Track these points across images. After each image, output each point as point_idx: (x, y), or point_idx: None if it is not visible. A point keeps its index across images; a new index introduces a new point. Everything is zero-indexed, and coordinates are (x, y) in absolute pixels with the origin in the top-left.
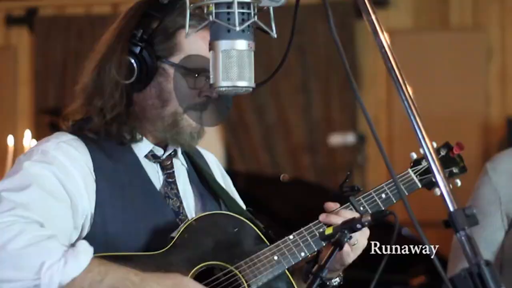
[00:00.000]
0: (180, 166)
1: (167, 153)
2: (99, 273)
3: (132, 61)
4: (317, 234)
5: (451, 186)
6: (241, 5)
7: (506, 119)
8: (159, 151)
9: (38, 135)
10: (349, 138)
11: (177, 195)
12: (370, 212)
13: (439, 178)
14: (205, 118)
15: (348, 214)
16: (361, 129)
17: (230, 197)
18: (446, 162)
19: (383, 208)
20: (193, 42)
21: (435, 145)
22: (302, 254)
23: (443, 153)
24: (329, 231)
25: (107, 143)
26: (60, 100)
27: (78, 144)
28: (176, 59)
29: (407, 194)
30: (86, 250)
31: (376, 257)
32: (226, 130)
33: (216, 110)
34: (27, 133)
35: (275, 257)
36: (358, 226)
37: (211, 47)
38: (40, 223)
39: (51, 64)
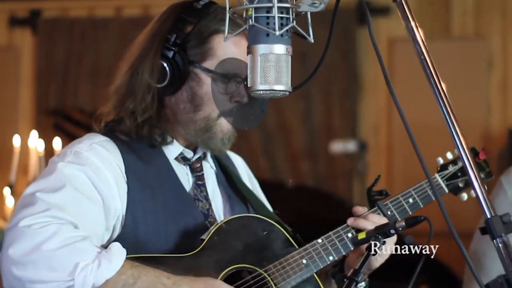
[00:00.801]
0: (209, 169)
1: (196, 156)
2: (132, 275)
3: (165, 65)
4: (345, 238)
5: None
6: (281, 9)
7: (507, 129)
8: (189, 154)
9: (40, 136)
10: (350, 145)
11: (206, 197)
12: (397, 216)
13: (476, 184)
14: (239, 121)
15: (376, 218)
16: (361, 136)
17: (257, 200)
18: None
19: (410, 213)
20: (226, 47)
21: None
22: (331, 257)
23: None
24: (362, 235)
25: (138, 145)
26: (62, 102)
27: (110, 145)
28: (208, 64)
29: (433, 199)
30: (119, 252)
31: (384, 266)
32: None
33: (251, 113)
34: (34, 133)
35: (304, 261)
36: (392, 231)
37: (250, 50)
38: (74, 224)
39: (53, 65)
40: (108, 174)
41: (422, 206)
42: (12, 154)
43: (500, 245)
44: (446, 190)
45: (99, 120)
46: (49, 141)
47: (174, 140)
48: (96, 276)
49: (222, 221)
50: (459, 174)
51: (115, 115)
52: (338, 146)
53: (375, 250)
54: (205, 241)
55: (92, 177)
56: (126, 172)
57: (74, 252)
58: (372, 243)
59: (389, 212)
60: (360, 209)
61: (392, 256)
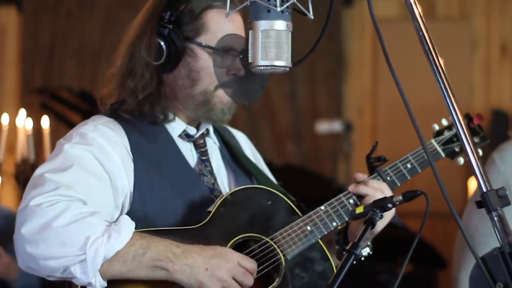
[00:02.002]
0: (212, 145)
1: (199, 132)
2: (141, 246)
3: (161, 42)
4: (347, 204)
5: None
6: None
7: (490, 110)
8: (192, 131)
9: (28, 115)
10: (336, 125)
11: (211, 172)
12: (396, 182)
13: (473, 160)
14: (239, 96)
15: (376, 184)
16: (346, 116)
17: (261, 173)
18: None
19: (408, 178)
20: (219, 22)
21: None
22: (334, 224)
23: None
24: (359, 210)
25: (142, 124)
26: (47, 81)
27: (115, 125)
28: (203, 39)
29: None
30: (128, 225)
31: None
32: None
33: (252, 88)
34: (22, 112)
35: (308, 227)
36: (389, 205)
37: (251, 26)
38: (83, 201)
39: (39, 44)
40: (113, 153)
41: (420, 171)
42: None
43: (495, 218)
44: (443, 155)
45: (104, 103)
46: (36, 120)
47: (176, 117)
48: (107, 248)
49: (227, 193)
50: (454, 139)
51: (117, 96)
52: (323, 126)
53: (374, 224)
54: (212, 213)
55: (99, 156)
56: (131, 151)
57: (84, 227)
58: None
59: (388, 178)
60: (360, 176)
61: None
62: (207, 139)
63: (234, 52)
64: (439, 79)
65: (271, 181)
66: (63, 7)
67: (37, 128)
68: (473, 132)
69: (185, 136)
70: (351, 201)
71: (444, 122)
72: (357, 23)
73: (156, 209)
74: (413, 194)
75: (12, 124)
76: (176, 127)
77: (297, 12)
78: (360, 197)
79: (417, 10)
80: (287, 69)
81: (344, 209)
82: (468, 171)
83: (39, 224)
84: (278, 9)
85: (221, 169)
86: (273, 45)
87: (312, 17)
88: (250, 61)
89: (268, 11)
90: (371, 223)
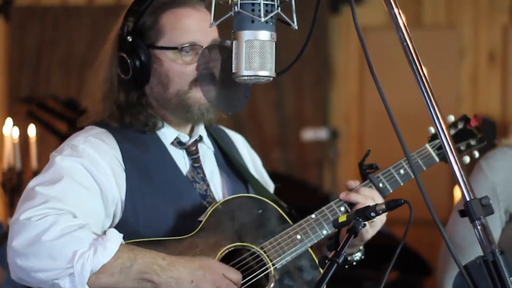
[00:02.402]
0: (206, 150)
1: (192, 139)
2: (129, 258)
3: (124, 55)
4: (338, 212)
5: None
6: None
7: None
8: (184, 138)
9: (14, 124)
10: (322, 133)
11: (204, 178)
12: (389, 188)
13: (456, 168)
14: (222, 104)
15: (367, 192)
16: (332, 124)
17: (255, 178)
18: (464, 134)
19: (401, 184)
20: (175, 21)
21: (452, 118)
22: (324, 231)
23: (460, 126)
24: (342, 218)
25: (134, 134)
26: (34, 89)
27: (106, 136)
28: (162, 42)
29: (425, 169)
30: (114, 238)
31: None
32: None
33: (235, 98)
34: (8, 121)
35: (298, 236)
36: (372, 214)
37: (235, 36)
38: (73, 214)
39: (26, 53)
40: (104, 164)
41: (413, 177)
42: None
43: (479, 227)
44: (437, 159)
45: (87, 115)
46: (22, 129)
47: (166, 124)
48: (93, 262)
49: (218, 202)
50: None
51: (102, 108)
52: (310, 134)
53: (356, 233)
54: (202, 222)
55: (89, 167)
56: (123, 161)
57: (71, 241)
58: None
59: (380, 185)
60: (352, 183)
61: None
62: (200, 145)
63: (198, 46)
64: (423, 89)
65: (265, 188)
66: (49, 16)
67: (24, 137)
68: (470, 134)
69: (178, 143)
70: (342, 208)
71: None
72: (344, 31)
73: (148, 218)
74: (396, 203)
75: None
76: (168, 134)
77: (282, 22)
78: (352, 205)
79: (401, 20)
80: (271, 79)
81: (335, 217)
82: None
83: (29, 238)
84: (262, 19)
85: (215, 174)
86: (257, 55)
87: (296, 27)
88: (233, 71)
89: (252, 21)
90: (354, 232)
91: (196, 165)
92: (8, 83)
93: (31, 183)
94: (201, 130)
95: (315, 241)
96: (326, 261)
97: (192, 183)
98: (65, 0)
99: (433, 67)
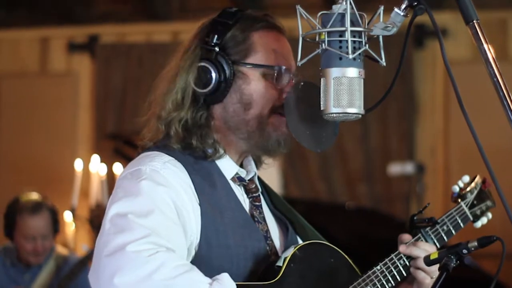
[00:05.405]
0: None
1: (250, 175)
2: None
3: (208, 66)
4: (399, 265)
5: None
6: (354, 33)
7: None
8: (243, 173)
9: (100, 160)
10: (408, 167)
11: (264, 219)
12: (437, 244)
13: None
14: (311, 142)
15: (428, 246)
16: (418, 158)
17: (302, 221)
18: (482, 195)
19: (446, 240)
20: (267, 42)
21: (467, 179)
22: (389, 285)
23: (478, 188)
24: (434, 255)
25: (199, 164)
26: (119, 126)
27: (179, 165)
28: (252, 59)
29: (462, 226)
30: (230, 284)
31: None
32: (283, 158)
33: (324, 135)
34: (95, 158)
35: None
36: (464, 251)
37: (322, 74)
38: (173, 251)
39: (111, 90)
40: (185, 196)
41: (454, 233)
42: (71, 179)
43: None
44: (471, 218)
45: (143, 139)
46: (109, 165)
47: (227, 155)
48: None
49: (295, 247)
50: (475, 202)
51: (160, 132)
52: (396, 168)
53: (449, 270)
54: (283, 268)
55: (175, 200)
56: (197, 193)
57: (187, 283)
58: (446, 263)
59: (430, 240)
60: (407, 237)
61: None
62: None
63: (289, 73)
64: None
65: (313, 230)
66: (134, 53)
67: (110, 174)
68: (486, 195)
69: (237, 179)
70: (402, 262)
71: (461, 184)
72: (429, 65)
73: (221, 257)
74: (489, 240)
75: (86, 169)
76: (229, 169)
77: (369, 59)
78: (409, 258)
79: (491, 55)
80: (360, 116)
81: (397, 270)
82: None
83: (138, 276)
84: (350, 56)
85: (269, 215)
86: (346, 92)
87: (384, 64)
88: (322, 108)
89: (340, 58)
90: (446, 269)
91: (257, 204)
92: (95, 119)
93: (120, 208)
94: (254, 166)
95: None
96: None
97: (256, 223)
98: (150, 37)
99: None
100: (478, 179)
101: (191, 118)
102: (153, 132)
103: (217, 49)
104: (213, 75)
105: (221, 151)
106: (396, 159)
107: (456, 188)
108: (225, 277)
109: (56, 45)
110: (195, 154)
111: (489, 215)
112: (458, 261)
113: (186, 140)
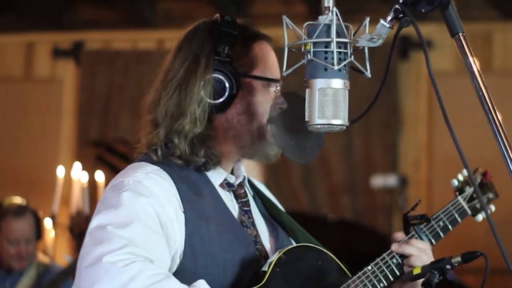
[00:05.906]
0: (248, 194)
1: (239, 180)
2: None
3: (222, 77)
4: (391, 265)
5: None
6: (339, 44)
7: None
8: (231, 179)
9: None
10: (391, 180)
11: (253, 223)
12: (432, 240)
13: None
14: (295, 153)
15: (420, 244)
16: (402, 171)
17: (292, 224)
18: (483, 188)
19: (442, 236)
20: (268, 54)
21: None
22: (381, 284)
23: (478, 180)
24: (417, 271)
25: (186, 172)
26: (103, 133)
27: (164, 175)
28: (258, 72)
29: (460, 221)
30: None
31: None
32: (266, 169)
33: (308, 146)
34: (77, 165)
35: None
36: (448, 267)
37: (307, 85)
38: (151, 260)
39: (95, 97)
40: (169, 207)
41: (451, 229)
42: (53, 185)
43: None
44: (469, 212)
45: (144, 148)
46: (91, 173)
47: (220, 163)
48: None
49: (280, 252)
50: (474, 195)
51: (160, 141)
52: (379, 181)
53: (432, 286)
54: (268, 273)
55: (157, 210)
56: (182, 202)
57: None
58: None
59: (424, 237)
60: (399, 235)
61: None
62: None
63: (278, 84)
64: (499, 137)
65: (306, 234)
66: (120, 61)
67: (92, 181)
68: (487, 188)
69: (226, 185)
70: (394, 261)
71: (461, 177)
72: (413, 77)
73: (207, 264)
74: (472, 256)
75: (68, 176)
76: (217, 176)
77: (354, 70)
78: (403, 257)
79: (476, 68)
80: (344, 127)
81: (389, 269)
82: None
83: (115, 285)
84: (336, 67)
85: (259, 220)
86: (331, 103)
87: (369, 75)
88: (307, 119)
89: (325, 69)
90: (429, 285)
91: (246, 208)
92: (78, 126)
93: (99, 221)
94: (243, 170)
95: None
96: None
97: (244, 228)
98: (135, 44)
99: (503, 112)
100: (479, 171)
101: (197, 128)
102: (149, 138)
103: (228, 60)
104: (227, 86)
105: (215, 160)
106: (380, 171)
107: (455, 182)
108: (201, 284)
109: (41, 50)
110: (186, 164)
111: (492, 207)
112: (441, 277)
113: (189, 151)
